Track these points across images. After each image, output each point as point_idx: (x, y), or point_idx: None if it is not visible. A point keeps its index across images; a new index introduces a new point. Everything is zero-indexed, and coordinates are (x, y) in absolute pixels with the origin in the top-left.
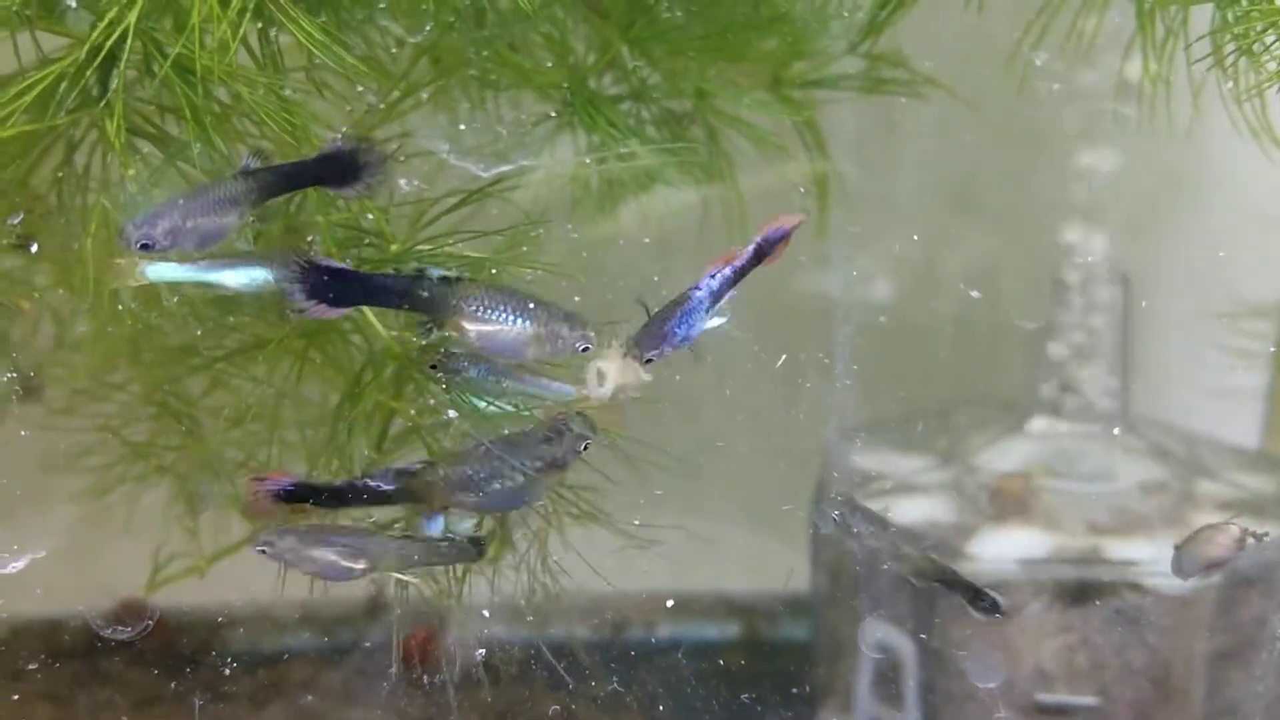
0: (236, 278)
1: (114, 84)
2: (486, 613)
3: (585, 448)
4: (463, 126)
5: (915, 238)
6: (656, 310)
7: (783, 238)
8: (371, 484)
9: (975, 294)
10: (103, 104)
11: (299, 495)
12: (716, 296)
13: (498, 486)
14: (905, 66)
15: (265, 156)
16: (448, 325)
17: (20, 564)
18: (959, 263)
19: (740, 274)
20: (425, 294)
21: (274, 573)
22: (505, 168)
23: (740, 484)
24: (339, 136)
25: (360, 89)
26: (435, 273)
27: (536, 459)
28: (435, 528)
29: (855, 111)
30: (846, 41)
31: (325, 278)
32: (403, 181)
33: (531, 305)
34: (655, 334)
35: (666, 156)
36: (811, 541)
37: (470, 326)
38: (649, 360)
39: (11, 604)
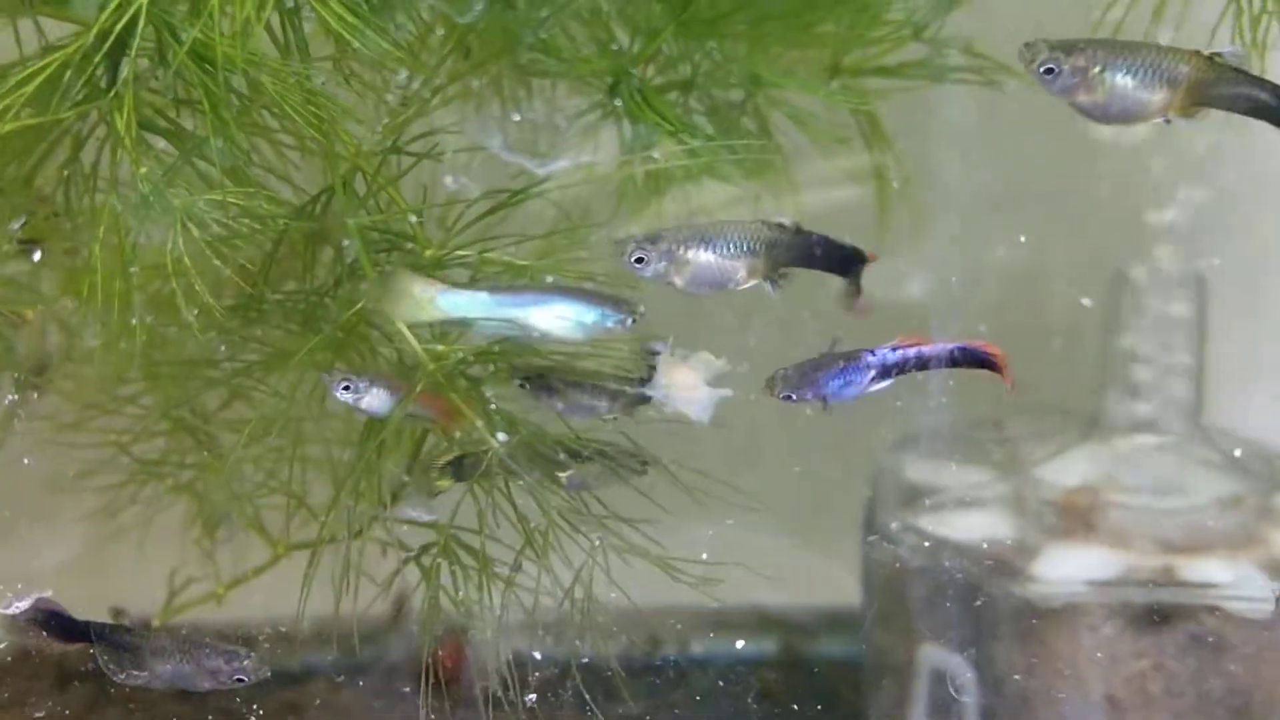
0: (549, 317)
1: (124, 73)
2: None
3: None
4: (518, 117)
5: (963, 235)
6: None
7: (983, 362)
8: None
9: (1087, 302)
10: (111, 95)
11: None
12: (887, 370)
13: None
14: (973, 52)
15: None
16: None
17: (24, 604)
18: (1020, 261)
19: (922, 363)
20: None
21: (295, 592)
22: (562, 163)
23: (784, 496)
24: None
25: (393, 75)
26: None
27: None
28: None
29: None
30: (911, 26)
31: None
32: (449, 179)
33: None
34: (799, 375)
35: (718, 151)
36: (863, 558)
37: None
38: (786, 398)
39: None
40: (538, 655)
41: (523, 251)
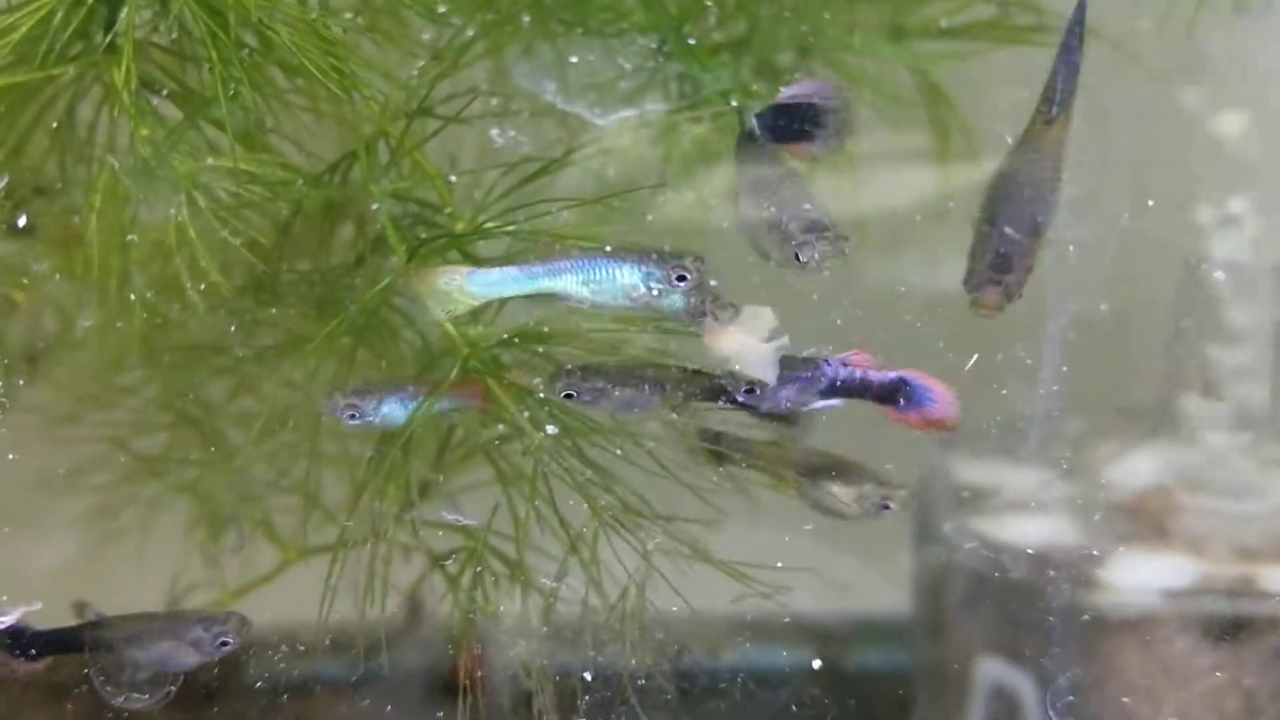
0: (586, 283)
1: (121, 23)
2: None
3: None
4: (574, 59)
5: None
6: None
7: (920, 407)
8: None
9: (1220, 275)
10: (105, 42)
11: None
12: (833, 388)
13: None
14: (1040, 10)
15: None
16: None
17: (10, 618)
18: (1074, 244)
19: (861, 389)
20: None
21: (303, 599)
22: (627, 112)
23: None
24: None
25: (426, 36)
26: None
27: None
28: None
29: None
30: None
31: None
32: (495, 132)
33: None
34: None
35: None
36: (913, 563)
37: None
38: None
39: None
40: (558, 663)
41: (566, 221)
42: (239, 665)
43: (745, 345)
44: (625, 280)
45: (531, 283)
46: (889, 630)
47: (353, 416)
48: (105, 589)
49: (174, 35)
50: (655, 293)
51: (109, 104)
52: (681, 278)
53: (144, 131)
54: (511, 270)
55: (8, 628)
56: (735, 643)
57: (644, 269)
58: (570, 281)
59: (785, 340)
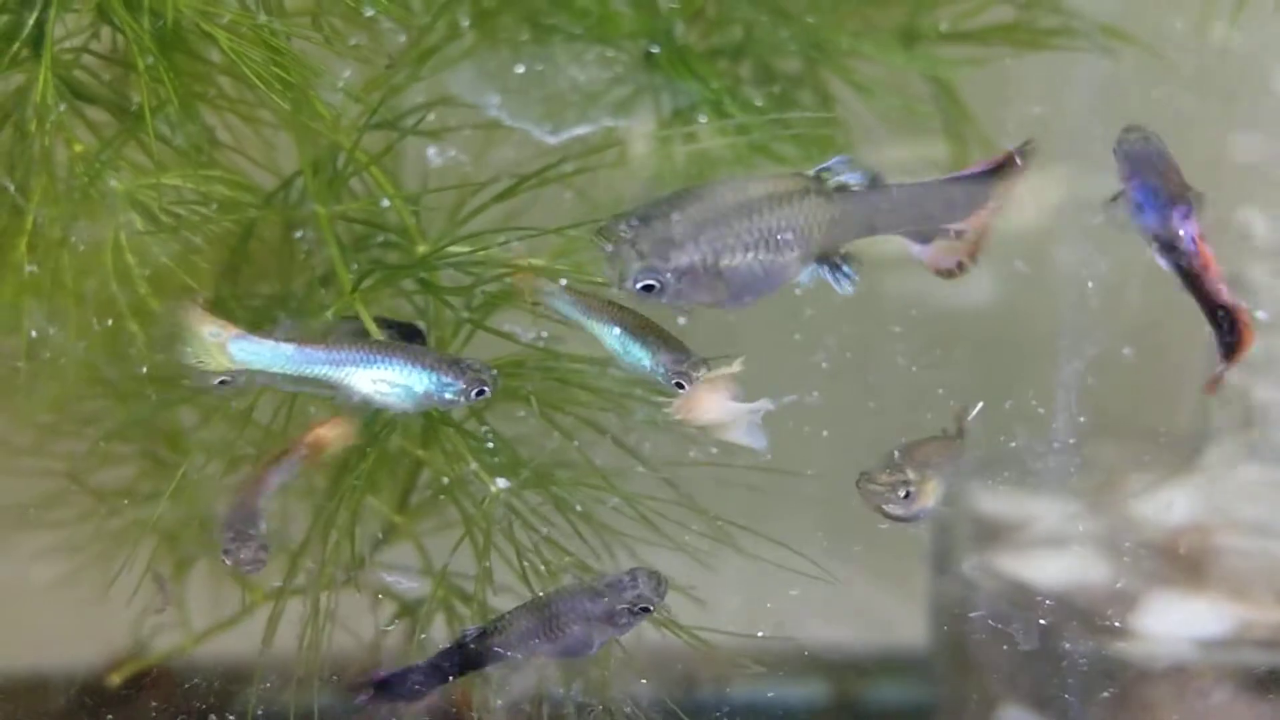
0: (370, 380)
1: (29, 24)
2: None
3: None
4: (521, 69)
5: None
6: None
7: None
8: None
9: None
10: (17, 45)
11: None
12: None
13: None
14: (1064, 12)
15: None
16: None
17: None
18: (1095, 255)
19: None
20: None
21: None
22: (581, 129)
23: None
24: None
25: (354, 42)
26: None
27: None
28: None
29: None
30: None
31: None
32: (432, 151)
33: None
34: None
35: (772, 127)
36: (931, 603)
37: None
38: None
39: None
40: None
41: (536, 248)
42: (228, 697)
43: (725, 412)
44: (419, 388)
45: (306, 366)
46: (907, 664)
47: (264, 548)
48: (68, 626)
49: (96, 40)
50: (445, 399)
51: (38, 118)
52: (480, 393)
53: (78, 146)
54: (287, 348)
55: (384, 679)
56: (742, 677)
57: (438, 378)
58: (351, 375)
59: (769, 404)
